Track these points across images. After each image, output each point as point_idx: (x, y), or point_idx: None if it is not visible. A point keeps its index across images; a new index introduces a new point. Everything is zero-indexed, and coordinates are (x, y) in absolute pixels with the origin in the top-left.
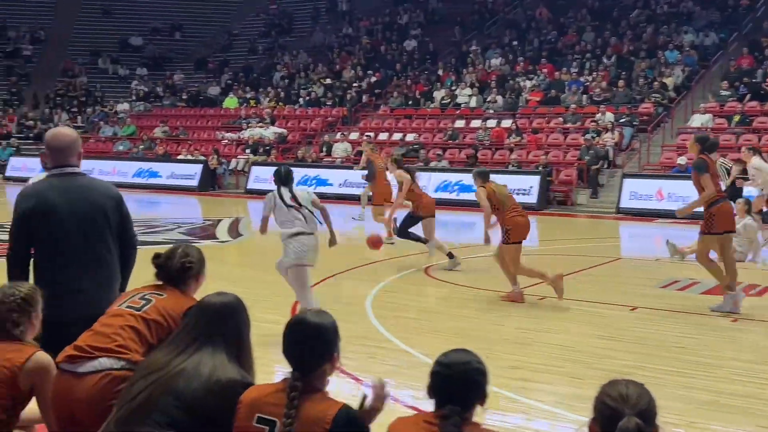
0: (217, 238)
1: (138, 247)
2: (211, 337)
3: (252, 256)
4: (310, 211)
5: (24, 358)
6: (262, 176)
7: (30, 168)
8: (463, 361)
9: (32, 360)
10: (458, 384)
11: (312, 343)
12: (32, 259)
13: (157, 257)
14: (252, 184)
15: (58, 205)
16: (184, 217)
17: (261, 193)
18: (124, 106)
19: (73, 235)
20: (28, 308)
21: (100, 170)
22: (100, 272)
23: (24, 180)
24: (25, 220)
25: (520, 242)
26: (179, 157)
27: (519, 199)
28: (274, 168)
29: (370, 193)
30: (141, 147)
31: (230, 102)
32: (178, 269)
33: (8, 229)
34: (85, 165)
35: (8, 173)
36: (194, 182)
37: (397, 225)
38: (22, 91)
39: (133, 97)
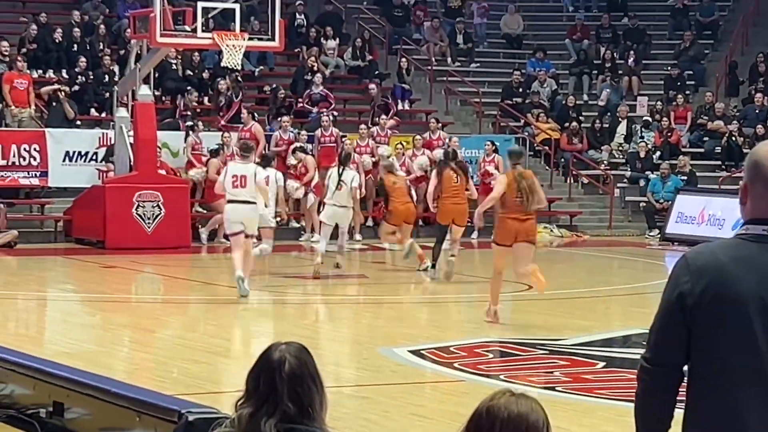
0: None
1: None
2: None
3: None
4: None
5: None
6: None
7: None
8: None
9: None
10: None
11: None
12: (688, 386)
13: None
14: None
15: (746, 296)
16: None
17: None
18: None
19: (760, 352)
20: None
21: None
22: None
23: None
24: (682, 310)
25: None
26: None
27: None
28: None
29: None
30: None
31: None
32: None
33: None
34: None
35: (671, 229)
36: None
37: None
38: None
39: None
